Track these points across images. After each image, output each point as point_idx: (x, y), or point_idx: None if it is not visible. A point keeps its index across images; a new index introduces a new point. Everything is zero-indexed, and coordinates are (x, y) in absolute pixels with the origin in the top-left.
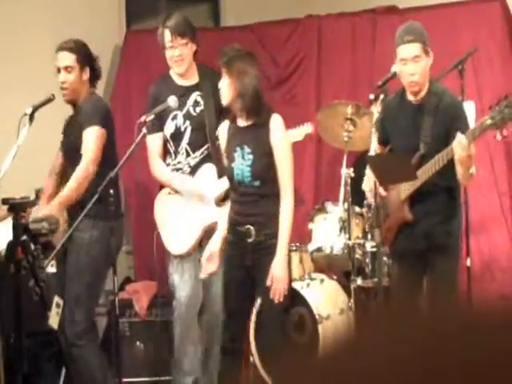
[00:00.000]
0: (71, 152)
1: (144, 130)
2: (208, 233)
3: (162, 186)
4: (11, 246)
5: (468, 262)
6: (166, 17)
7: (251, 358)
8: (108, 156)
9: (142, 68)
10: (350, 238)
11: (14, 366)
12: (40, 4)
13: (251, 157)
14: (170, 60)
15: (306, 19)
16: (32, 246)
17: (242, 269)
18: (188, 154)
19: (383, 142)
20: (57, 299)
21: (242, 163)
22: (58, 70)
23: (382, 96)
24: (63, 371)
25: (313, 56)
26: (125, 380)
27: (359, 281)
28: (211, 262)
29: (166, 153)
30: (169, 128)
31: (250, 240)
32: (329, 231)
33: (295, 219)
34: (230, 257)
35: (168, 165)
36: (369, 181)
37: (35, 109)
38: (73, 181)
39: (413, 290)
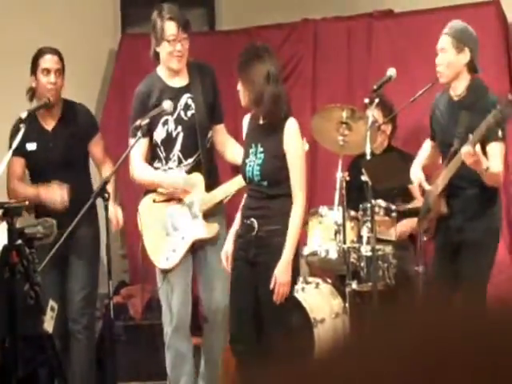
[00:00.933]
0: (69, 159)
1: (139, 134)
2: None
3: (146, 192)
4: (6, 250)
5: None
6: (161, 8)
7: None
8: None
9: (137, 72)
10: (344, 242)
11: (8, 370)
12: (35, 7)
13: (262, 156)
14: (169, 54)
15: (301, 23)
16: (27, 250)
17: (246, 263)
18: (180, 161)
19: (432, 138)
20: (51, 303)
21: (254, 161)
22: (46, 72)
23: (377, 100)
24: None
25: (308, 60)
26: None
27: (354, 285)
28: (226, 261)
29: (152, 157)
30: (160, 134)
31: (253, 233)
32: (324, 235)
33: None
34: (236, 250)
35: (157, 169)
36: (413, 174)
37: (30, 113)
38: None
39: (447, 284)
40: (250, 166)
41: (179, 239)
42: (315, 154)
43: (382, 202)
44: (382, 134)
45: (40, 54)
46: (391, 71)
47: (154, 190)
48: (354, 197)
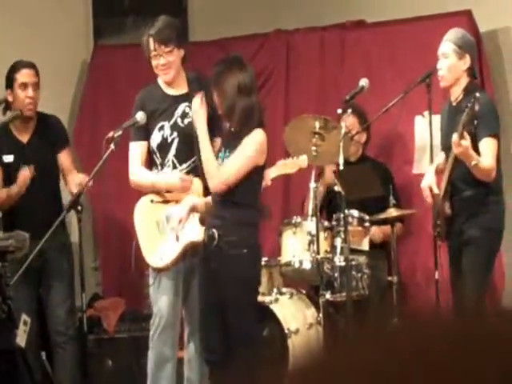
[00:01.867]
0: (45, 170)
1: (112, 146)
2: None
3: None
4: None
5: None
6: (150, 24)
7: None
8: None
9: (110, 83)
10: (318, 252)
11: None
12: (6, 19)
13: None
14: (155, 69)
15: (274, 34)
16: None
17: (210, 273)
18: (175, 167)
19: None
20: (24, 317)
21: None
22: (23, 86)
23: (349, 110)
24: None
25: (281, 70)
26: None
27: (328, 295)
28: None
29: (150, 165)
30: (155, 139)
31: (214, 243)
32: (298, 245)
33: (264, 233)
34: (200, 260)
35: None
36: (425, 178)
37: (2, 125)
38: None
39: (460, 286)
40: None
41: (174, 240)
42: None
43: (355, 212)
44: (356, 143)
45: (16, 67)
46: (364, 81)
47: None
48: (328, 207)
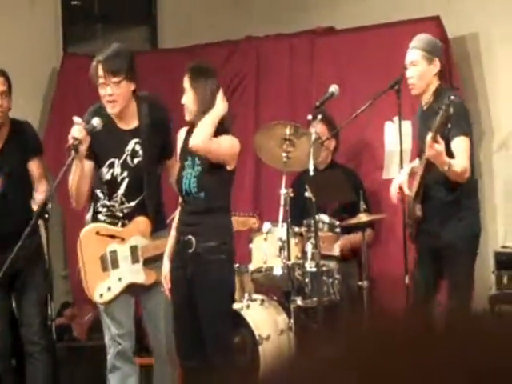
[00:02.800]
0: (18, 177)
1: (73, 154)
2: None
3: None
4: None
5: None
6: (101, 49)
7: None
8: None
9: (79, 91)
10: (289, 258)
11: None
12: None
13: (200, 168)
14: (102, 98)
15: (244, 41)
16: None
17: (184, 282)
18: (122, 203)
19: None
20: None
21: (191, 173)
22: None
23: (319, 116)
24: None
25: (251, 77)
26: None
27: (299, 301)
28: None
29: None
30: (104, 174)
31: (190, 251)
32: (268, 251)
33: (235, 239)
34: (174, 269)
35: (99, 198)
36: (396, 179)
37: None
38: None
39: (429, 289)
40: (186, 178)
41: (116, 279)
42: (259, 171)
43: (325, 218)
44: (326, 150)
45: None
46: (333, 88)
47: (98, 220)
48: (298, 213)
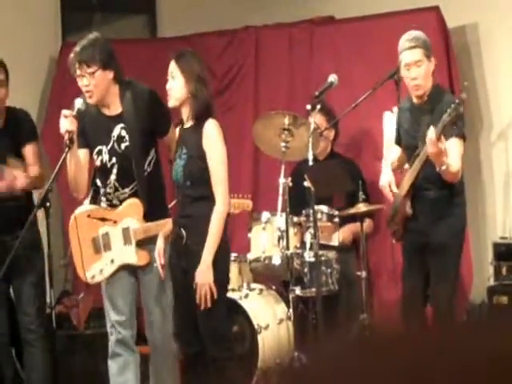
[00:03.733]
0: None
1: (70, 146)
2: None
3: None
4: None
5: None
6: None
7: None
8: None
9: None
10: (288, 248)
11: None
12: None
13: (185, 157)
14: (81, 88)
15: (243, 30)
16: None
17: (181, 271)
18: (117, 189)
19: (398, 142)
20: None
21: (179, 163)
22: None
23: (318, 106)
24: None
25: (250, 67)
26: None
27: (298, 290)
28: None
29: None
30: (94, 161)
31: (182, 242)
32: (267, 241)
33: (234, 229)
34: (171, 257)
35: (98, 187)
36: (384, 176)
37: None
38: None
39: (417, 287)
40: (175, 169)
41: (108, 261)
42: (258, 161)
43: (324, 208)
44: (325, 139)
45: None
46: (333, 77)
47: (93, 203)
48: (297, 203)
